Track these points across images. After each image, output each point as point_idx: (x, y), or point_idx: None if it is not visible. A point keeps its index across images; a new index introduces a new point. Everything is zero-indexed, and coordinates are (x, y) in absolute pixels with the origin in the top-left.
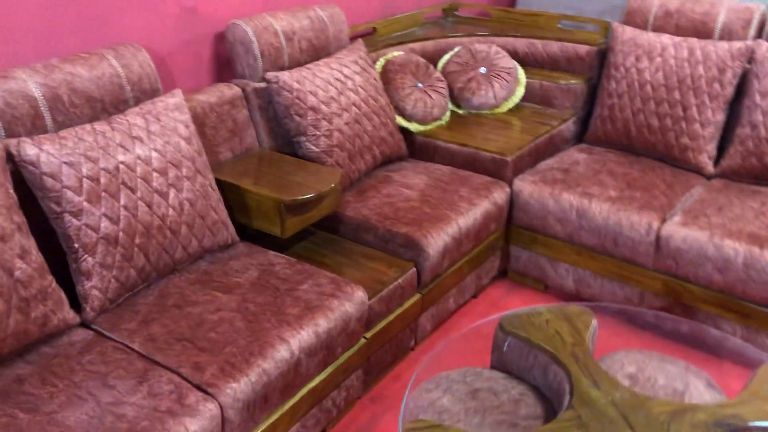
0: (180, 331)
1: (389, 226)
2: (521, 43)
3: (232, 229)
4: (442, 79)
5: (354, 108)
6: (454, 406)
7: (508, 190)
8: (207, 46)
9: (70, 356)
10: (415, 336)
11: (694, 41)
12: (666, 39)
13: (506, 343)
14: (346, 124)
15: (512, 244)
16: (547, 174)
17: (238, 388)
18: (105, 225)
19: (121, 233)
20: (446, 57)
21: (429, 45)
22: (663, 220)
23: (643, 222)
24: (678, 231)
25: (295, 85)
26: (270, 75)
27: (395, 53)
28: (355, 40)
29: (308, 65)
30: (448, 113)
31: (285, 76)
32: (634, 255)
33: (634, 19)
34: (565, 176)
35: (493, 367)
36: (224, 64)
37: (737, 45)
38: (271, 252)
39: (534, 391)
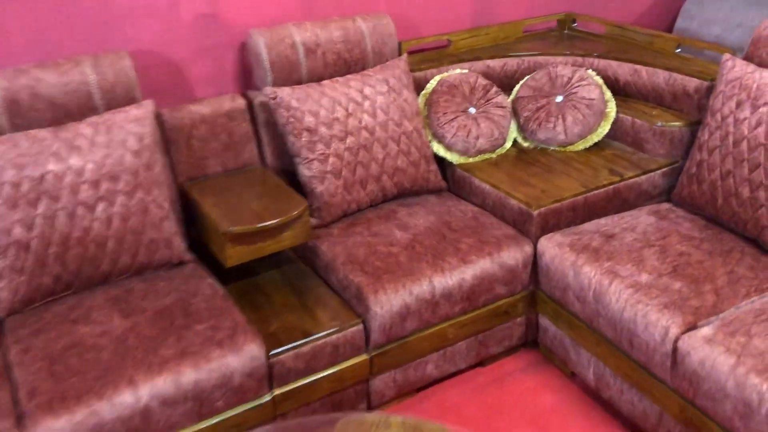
0: (53, 349)
1: (349, 271)
2: (624, 69)
3: (179, 247)
4: (504, 105)
5: (364, 132)
6: None
7: (528, 249)
8: (231, 54)
9: None
10: (368, 400)
11: None
12: None
13: None
14: (348, 149)
15: (540, 312)
16: (584, 237)
17: (55, 426)
18: (18, 231)
19: (34, 240)
20: (525, 79)
21: (511, 63)
22: (690, 328)
23: (661, 324)
24: (698, 348)
25: (293, 103)
26: (268, 90)
27: (457, 71)
28: (404, 54)
29: (323, 82)
30: (507, 145)
31: (284, 92)
32: (649, 363)
33: (759, 51)
34: (603, 244)
35: None
36: (251, 73)
37: None
38: (209, 280)
39: None
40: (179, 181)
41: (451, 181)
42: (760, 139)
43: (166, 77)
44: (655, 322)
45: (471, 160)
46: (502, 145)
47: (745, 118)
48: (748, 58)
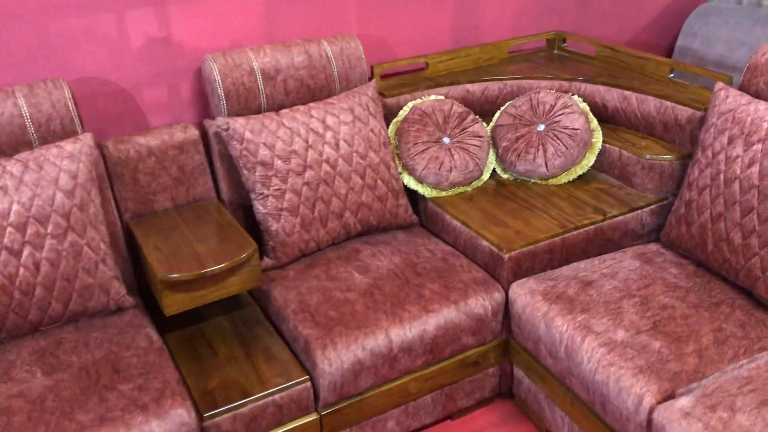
0: None
1: (299, 321)
2: (613, 95)
3: (117, 293)
4: (481, 134)
5: (325, 166)
6: None
7: (498, 295)
8: (187, 80)
9: None
10: None
11: None
12: None
13: None
14: (306, 184)
15: (514, 363)
16: (560, 284)
17: None
18: None
19: None
20: (505, 106)
21: (493, 87)
22: (667, 397)
23: (634, 392)
24: (674, 422)
25: (247, 135)
26: (220, 120)
27: (432, 97)
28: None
29: (281, 111)
30: (484, 176)
31: (237, 122)
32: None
33: (756, 80)
34: (579, 292)
35: None
36: (208, 101)
37: None
38: (147, 329)
39: None
40: (125, 219)
41: (423, 215)
42: (753, 180)
43: (117, 106)
44: (628, 388)
45: (444, 193)
46: (478, 177)
47: (737, 156)
48: (744, 87)
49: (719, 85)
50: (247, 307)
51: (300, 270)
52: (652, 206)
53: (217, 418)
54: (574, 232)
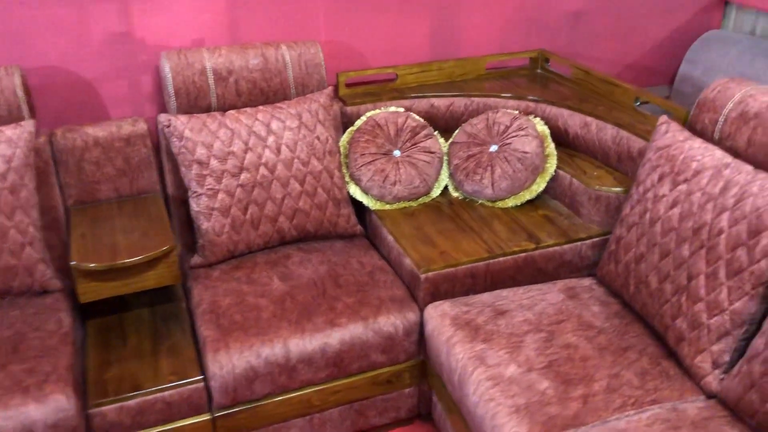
0: None
1: (203, 322)
2: (575, 120)
3: (42, 276)
4: (433, 150)
5: (263, 169)
6: None
7: (413, 315)
8: (148, 75)
9: None
10: None
11: (745, 168)
12: (710, 158)
13: None
14: (241, 186)
15: (430, 385)
16: (473, 310)
17: None
18: None
19: None
20: (465, 124)
21: (459, 103)
22: None
23: (505, 431)
24: None
25: (186, 133)
26: (162, 117)
27: (391, 108)
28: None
29: (228, 112)
30: (433, 193)
31: (179, 120)
32: None
33: (702, 116)
34: (489, 321)
35: None
36: None
37: None
38: (62, 314)
39: None
40: (68, 205)
41: (369, 226)
42: (674, 222)
43: (78, 96)
44: (500, 426)
45: (388, 206)
46: (425, 193)
47: (663, 195)
48: (691, 123)
49: (662, 118)
50: (174, 302)
51: (226, 270)
52: (595, 239)
53: (103, 408)
54: (501, 259)
